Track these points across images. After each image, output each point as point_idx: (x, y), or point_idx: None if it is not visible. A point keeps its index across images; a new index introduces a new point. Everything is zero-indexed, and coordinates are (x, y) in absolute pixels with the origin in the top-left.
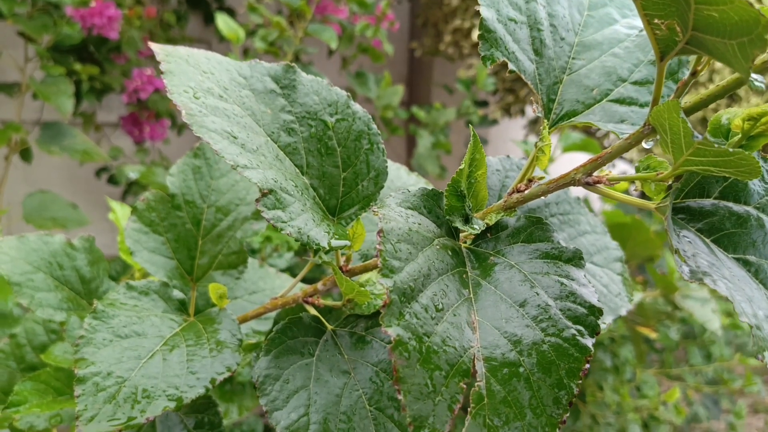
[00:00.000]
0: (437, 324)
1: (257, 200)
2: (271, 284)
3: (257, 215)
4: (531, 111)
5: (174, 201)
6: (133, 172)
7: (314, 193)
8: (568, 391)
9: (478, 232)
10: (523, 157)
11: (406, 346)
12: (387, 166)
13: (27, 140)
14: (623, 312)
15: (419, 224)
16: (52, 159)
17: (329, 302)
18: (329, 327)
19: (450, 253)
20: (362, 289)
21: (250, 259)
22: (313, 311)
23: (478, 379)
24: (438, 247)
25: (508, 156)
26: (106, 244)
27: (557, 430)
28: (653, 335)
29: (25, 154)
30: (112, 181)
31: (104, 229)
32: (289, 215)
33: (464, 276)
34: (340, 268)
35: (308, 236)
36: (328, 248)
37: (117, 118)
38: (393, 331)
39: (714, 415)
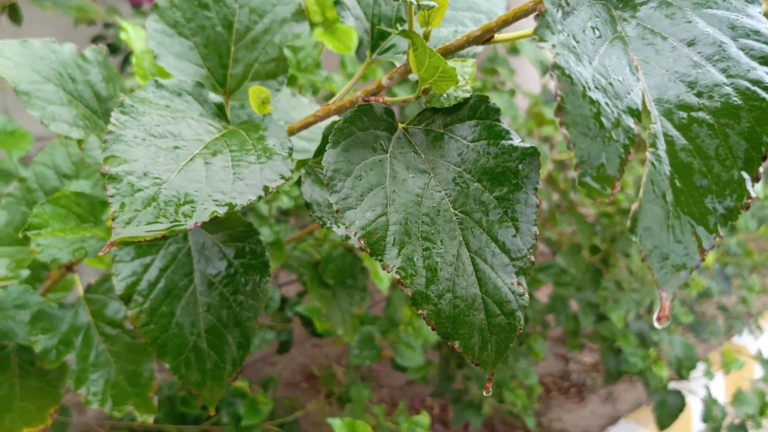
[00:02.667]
0: (597, 51)
1: None
2: (304, 115)
3: (298, 15)
4: None
5: None
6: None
7: None
8: (761, 141)
9: None
10: None
11: (564, 70)
12: None
13: None
14: None
15: None
16: (43, 26)
17: (398, 98)
18: (400, 126)
19: None
20: (449, 67)
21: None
22: None
23: (652, 122)
24: None
25: None
26: None
27: (750, 186)
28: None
29: (14, 14)
30: (110, 50)
31: None
32: None
33: (610, 12)
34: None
35: None
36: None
37: None
38: (549, 45)
39: (725, 290)
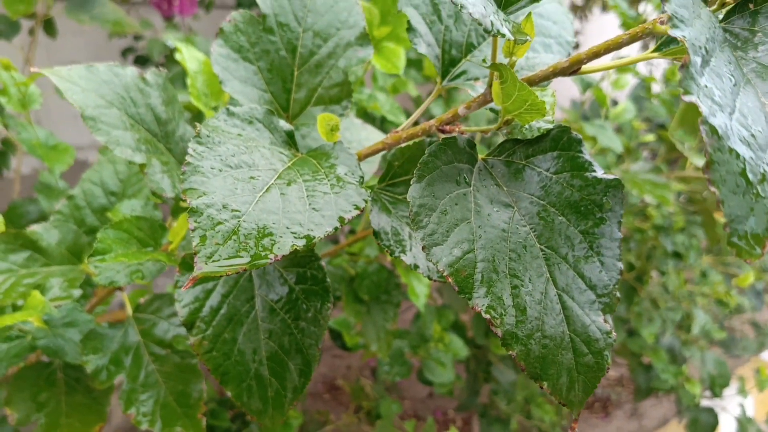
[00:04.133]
0: (735, 100)
1: None
2: (357, 136)
3: (362, 39)
4: None
5: (265, 23)
6: (171, 40)
7: None
8: None
9: None
10: None
11: (713, 126)
12: None
13: (50, 11)
14: None
15: None
16: (76, 37)
17: (476, 128)
18: (479, 157)
19: (715, 22)
20: (539, 100)
21: None
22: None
23: None
24: (706, 16)
25: None
26: None
27: None
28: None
29: (49, 27)
30: (139, 62)
31: None
32: None
33: (734, 54)
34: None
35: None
36: (500, 33)
37: None
38: (695, 98)
39: (758, 306)
